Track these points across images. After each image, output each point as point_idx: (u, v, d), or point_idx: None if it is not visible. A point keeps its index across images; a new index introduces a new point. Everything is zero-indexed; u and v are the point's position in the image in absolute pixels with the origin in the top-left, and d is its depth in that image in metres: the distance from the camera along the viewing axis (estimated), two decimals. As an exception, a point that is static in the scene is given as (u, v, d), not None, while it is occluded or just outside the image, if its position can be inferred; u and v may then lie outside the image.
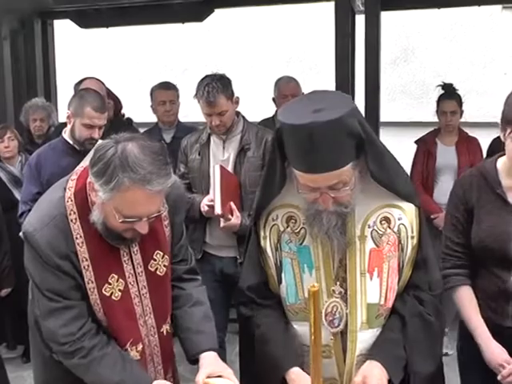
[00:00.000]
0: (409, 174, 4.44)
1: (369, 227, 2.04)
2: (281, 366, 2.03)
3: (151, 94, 4.61)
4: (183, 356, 2.22)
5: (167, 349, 2.23)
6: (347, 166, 1.90)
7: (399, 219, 2.05)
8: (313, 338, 1.47)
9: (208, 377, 2.06)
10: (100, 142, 2.14)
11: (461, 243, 2.47)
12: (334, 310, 2.05)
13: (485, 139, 4.62)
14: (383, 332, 2.07)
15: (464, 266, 2.49)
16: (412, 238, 2.07)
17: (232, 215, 3.34)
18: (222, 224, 3.39)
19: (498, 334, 2.42)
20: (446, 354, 4.61)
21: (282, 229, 2.10)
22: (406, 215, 2.06)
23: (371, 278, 2.04)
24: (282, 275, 2.10)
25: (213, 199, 3.35)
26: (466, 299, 2.48)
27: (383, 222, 2.05)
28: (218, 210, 3.31)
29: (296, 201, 2.05)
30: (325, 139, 1.84)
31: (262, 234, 2.13)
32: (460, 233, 2.47)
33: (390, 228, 2.05)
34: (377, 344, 2.06)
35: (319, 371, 1.52)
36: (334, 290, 2.05)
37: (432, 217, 4.38)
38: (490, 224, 2.39)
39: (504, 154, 2.42)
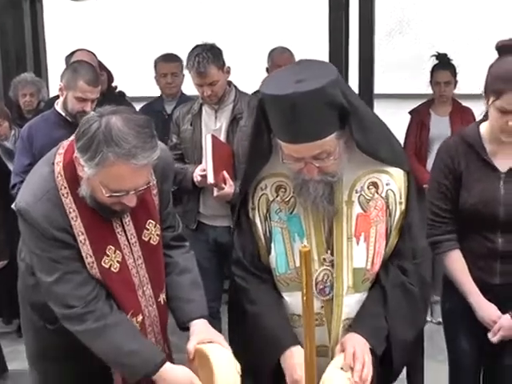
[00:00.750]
0: (402, 144, 4.45)
1: (356, 192, 2.05)
2: (278, 346, 2.04)
3: (155, 66, 4.61)
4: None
5: (164, 318, 2.25)
6: (330, 136, 1.91)
7: (387, 184, 2.07)
8: (305, 299, 1.48)
9: (198, 344, 2.07)
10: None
11: (449, 209, 2.53)
12: (325, 278, 2.07)
13: (479, 110, 4.61)
14: (364, 305, 2.09)
15: (453, 231, 2.55)
16: (400, 203, 2.08)
17: (225, 184, 3.36)
18: (215, 193, 3.42)
19: (487, 291, 2.52)
20: (439, 323, 4.66)
21: (271, 198, 2.10)
22: (394, 181, 2.07)
23: (358, 243, 2.05)
24: (272, 245, 2.11)
25: (205, 169, 3.37)
26: (457, 262, 2.55)
27: (371, 187, 2.06)
28: (210, 180, 3.33)
29: (285, 170, 2.05)
30: (306, 109, 1.85)
31: (250, 204, 2.14)
32: (448, 199, 2.52)
33: (377, 193, 2.06)
34: (358, 317, 2.08)
35: (312, 336, 1.54)
36: (324, 259, 2.06)
37: (425, 186, 4.39)
38: (479, 190, 2.46)
39: (484, 120, 2.48)
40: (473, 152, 2.48)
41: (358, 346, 1.95)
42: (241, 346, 2.17)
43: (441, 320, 4.52)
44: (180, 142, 3.61)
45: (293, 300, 2.09)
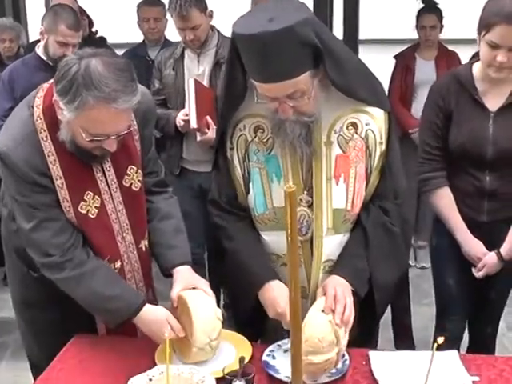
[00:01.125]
0: (387, 90, 4.43)
1: (335, 133, 2.05)
2: (256, 281, 2.06)
3: (137, 11, 4.54)
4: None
5: (147, 265, 2.26)
6: (303, 75, 1.89)
7: (367, 124, 2.06)
8: (289, 239, 1.48)
9: (182, 291, 2.08)
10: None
11: (439, 147, 2.59)
12: (302, 218, 2.07)
13: (465, 55, 4.59)
14: (345, 248, 2.11)
15: (442, 168, 2.62)
16: (380, 143, 2.08)
17: (208, 129, 3.36)
18: (198, 138, 3.41)
19: (475, 229, 2.60)
20: (423, 268, 4.75)
21: (249, 139, 2.10)
22: (374, 121, 2.07)
23: (337, 184, 2.05)
24: (250, 185, 2.12)
25: (188, 113, 3.35)
26: (446, 199, 2.62)
27: (350, 127, 2.05)
28: (193, 124, 3.32)
29: (263, 110, 2.04)
30: (277, 48, 1.82)
31: (228, 145, 2.14)
32: (439, 137, 2.58)
33: (357, 133, 2.06)
34: (339, 259, 2.10)
35: (297, 277, 1.54)
36: (301, 199, 2.07)
37: (410, 131, 4.41)
38: (468, 129, 2.50)
39: (478, 60, 2.50)
40: (464, 91, 2.51)
41: (340, 288, 1.97)
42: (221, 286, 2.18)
43: (425, 265, 4.68)
44: (162, 87, 3.59)
45: (271, 239, 2.12)
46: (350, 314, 1.93)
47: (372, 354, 2.02)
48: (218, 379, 1.84)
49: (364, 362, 1.99)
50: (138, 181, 2.14)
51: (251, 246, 2.13)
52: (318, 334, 1.84)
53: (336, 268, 2.08)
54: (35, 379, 2.08)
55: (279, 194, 2.06)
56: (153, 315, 2.05)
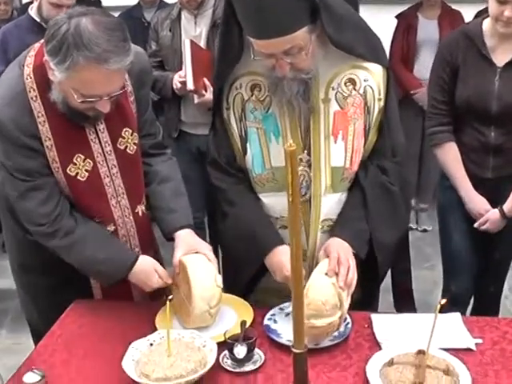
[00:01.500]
0: (388, 49, 4.37)
1: (333, 89, 2.03)
2: (263, 246, 2.05)
3: None
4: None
5: (145, 230, 2.24)
6: (300, 30, 1.85)
7: (365, 81, 2.04)
8: (291, 199, 1.45)
9: (183, 255, 2.07)
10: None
11: (445, 101, 2.65)
12: (302, 178, 2.06)
13: (469, 14, 4.52)
14: (344, 209, 2.10)
15: (448, 123, 2.68)
16: (379, 100, 2.06)
17: (206, 91, 3.32)
18: (195, 100, 3.39)
19: (479, 185, 2.65)
20: (425, 230, 4.75)
21: (246, 97, 2.08)
22: (372, 77, 2.05)
23: (335, 141, 2.04)
24: (248, 145, 2.10)
25: (184, 75, 3.31)
26: (451, 154, 2.68)
27: (348, 83, 2.03)
28: (190, 86, 3.29)
29: (260, 68, 2.01)
30: (272, 2, 1.79)
31: (225, 104, 2.11)
32: (445, 92, 2.64)
33: (355, 90, 2.04)
34: (339, 221, 2.09)
35: (298, 239, 1.52)
36: (301, 159, 2.05)
37: (412, 92, 4.38)
38: (474, 83, 2.56)
39: (488, 16, 2.54)
40: (472, 46, 2.57)
41: (342, 251, 1.96)
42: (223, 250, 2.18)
43: (426, 228, 4.69)
44: (159, 48, 3.55)
45: (269, 201, 2.11)
46: (353, 276, 1.92)
47: (374, 316, 2.02)
48: (219, 343, 1.84)
49: (366, 325, 1.99)
50: (134, 144, 2.11)
51: (254, 210, 2.11)
52: (321, 297, 1.83)
53: (336, 230, 2.07)
54: (36, 345, 2.08)
55: (277, 153, 2.05)
56: (140, 265, 2.06)
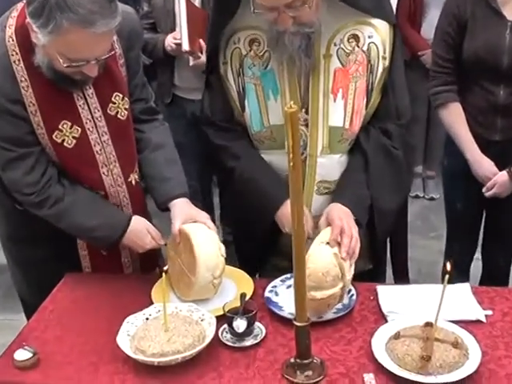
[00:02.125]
0: (394, 8, 4.31)
1: (335, 45, 2.01)
2: (276, 199, 2.05)
3: None
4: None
5: (138, 200, 2.23)
6: None
7: (369, 37, 2.02)
8: (291, 164, 1.44)
9: (183, 224, 2.06)
10: None
11: (451, 59, 2.62)
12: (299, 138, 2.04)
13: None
14: (345, 173, 2.09)
15: (453, 82, 2.65)
16: (384, 58, 2.04)
17: (201, 53, 3.29)
18: (191, 63, 3.37)
19: (486, 148, 2.63)
20: (432, 199, 4.74)
21: (244, 52, 2.07)
22: (377, 33, 2.03)
23: (335, 100, 2.03)
24: (246, 102, 2.09)
25: (179, 36, 3.28)
26: (456, 115, 2.66)
27: (351, 40, 2.01)
28: (185, 47, 3.26)
29: (259, 22, 2.00)
30: None
31: (222, 59, 2.10)
32: (451, 48, 2.61)
33: (358, 46, 2.02)
34: (340, 186, 2.08)
35: (300, 200, 1.51)
36: (299, 118, 2.01)
37: (419, 53, 4.33)
38: (484, 37, 2.52)
39: None
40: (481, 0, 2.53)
41: (345, 219, 1.94)
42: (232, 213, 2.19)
43: (434, 196, 4.68)
44: (151, 9, 3.51)
45: (268, 159, 2.12)
46: (356, 246, 1.91)
47: (380, 288, 2.02)
48: (218, 317, 1.84)
49: (371, 297, 1.99)
50: (125, 109, 2.10)
51: (260, 162, 2.12)
52: (321, 269, 1.82)
53: (336, 195, 2.06)
54: (28, 319, 2.09)
55: (276, 111, 2.04)
56: (132, 226, 2.09)
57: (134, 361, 1.73)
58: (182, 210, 2.10)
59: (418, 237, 2.87)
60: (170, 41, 3.36)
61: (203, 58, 3.26)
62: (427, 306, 1.84)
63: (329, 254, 1.86)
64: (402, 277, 2.58)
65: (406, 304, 1.93)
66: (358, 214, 2.01)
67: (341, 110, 2.04)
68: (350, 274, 1.89)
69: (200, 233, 2.01)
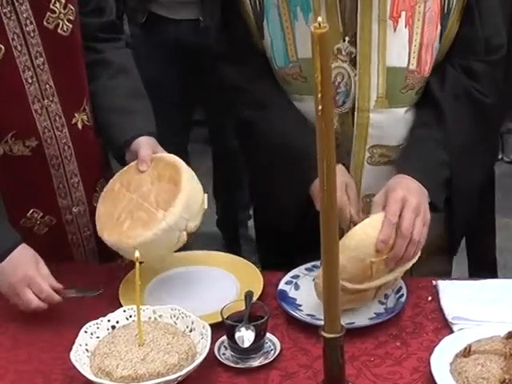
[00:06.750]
0: None
1: None
2: (310, 168, 2.03)
3: None
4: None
5: (88, 153, 2.25)
6: None
7: None
8: (320, 108, 1.40)
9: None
10: None
11: None
12: (339, 79, 2.07)
13: None
14: (413, 134, 2.10)
15: None
16: None
17: None
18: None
19: None
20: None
21: None
22: None
23: (395, 28, 2.03)
24: (264, 25, 2.11)
25: None
26: None
27: None
28: None
29: None
30: None
31: None
32: None
33: None
34: (404, 153, 2.09)
35: (331, 163, 1.48)
36: (339, 50, 2.04)
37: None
38: None
39: None
40: None
41: (410, 205, 1.89)
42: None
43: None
44: None
45: (301, 107, 2.14)
46: (413, 251, 1.88)
47: (442, 284, 2.02)
48: (213, 326, 1.83)
49: (430, 298, 2.00)
50: (68, 21, 2.11)
51: (292, 114, 2.14)
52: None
53: (401, 165, 2.06)
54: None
55: (306, 38, 1.98)
56: (21, 256, 2.02)
57: (95, 387, 1.73)
58: (150, 143, 2.13)
59: (498, 215, 2.84)
60: None
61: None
62: (508, 309, 1.85)
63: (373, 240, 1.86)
64: (485, 267, 2.58)
65: (479, 307, 1.93)
66: (432, 192, 1.99)
67: (404, 43, 2.04)
68: (393, 275, 1.90)
69: (188, 169, 2.04)
